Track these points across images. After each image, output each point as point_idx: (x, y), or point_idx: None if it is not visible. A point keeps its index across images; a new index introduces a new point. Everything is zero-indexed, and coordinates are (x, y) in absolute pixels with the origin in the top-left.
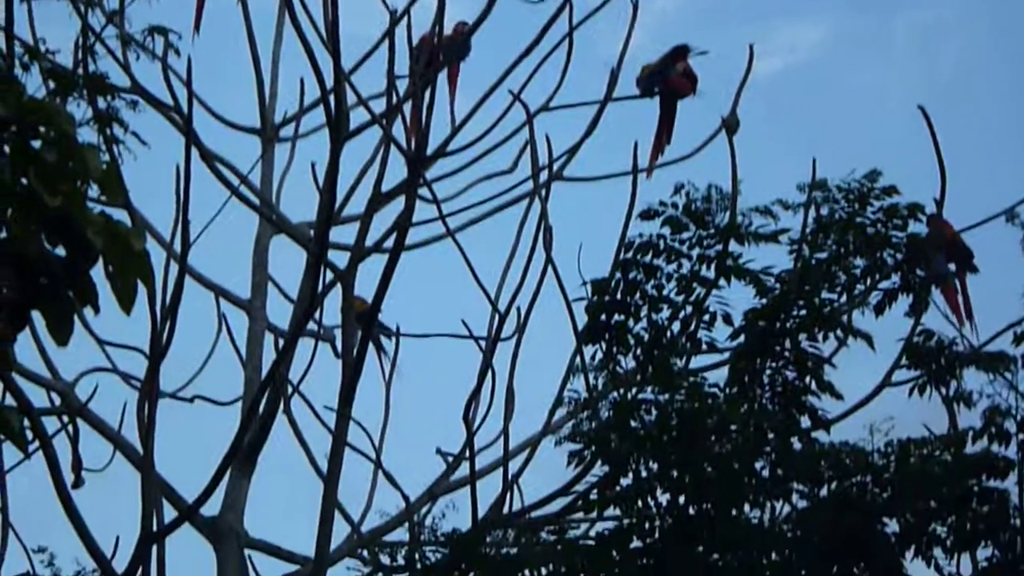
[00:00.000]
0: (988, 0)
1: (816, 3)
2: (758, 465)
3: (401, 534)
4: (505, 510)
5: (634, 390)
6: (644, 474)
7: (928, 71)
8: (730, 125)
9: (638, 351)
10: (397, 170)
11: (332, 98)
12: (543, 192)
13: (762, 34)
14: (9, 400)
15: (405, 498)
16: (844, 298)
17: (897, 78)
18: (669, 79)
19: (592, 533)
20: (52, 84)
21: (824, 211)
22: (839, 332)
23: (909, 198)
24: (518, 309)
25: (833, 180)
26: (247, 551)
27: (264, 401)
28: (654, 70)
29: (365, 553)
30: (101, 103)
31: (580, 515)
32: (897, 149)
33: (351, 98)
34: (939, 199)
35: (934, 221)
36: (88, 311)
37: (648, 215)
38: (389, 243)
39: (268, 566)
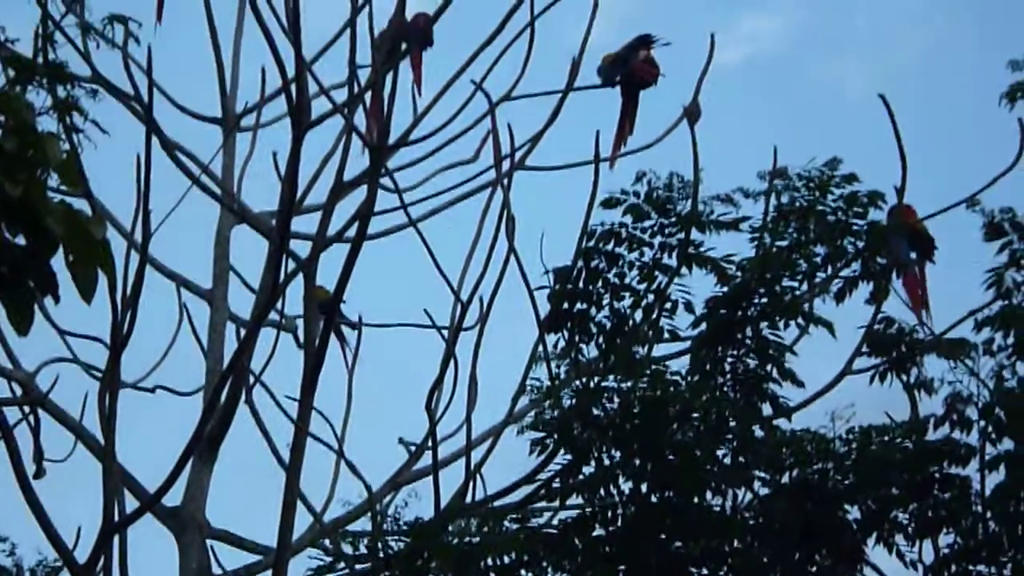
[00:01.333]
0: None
1: None
2: (720, 452)
3: (364, 524)
4: (468, 499)
5: (596, 378)
6: (607, 462)
7: (889, 62)
8: (691, 114)
9: (600, 339)
10: (359, 159)
11: (294, 87)
12: (505, 181)
13: (724, 25)
14: None
15: (367, 487)
16: (805, 286)
17: (858, 69)
18: (631, 68)
19: (555, 521)
20: (11, 73)
21: (785, 199)
22: (800, 320)
23: (870, 186)
24: (480, 298)
25: (794, 169)
26: (209, 541)
27: (226, 391)
28: (616, 59)
29: (328, 543)
30: (61, 92)
31: (543, 504)
32: (858, 139)
33: (313, 87)
34: (900, 187)
35: (898, 208)
36: (49, 300)
37: (610, 203)
38: (351, 233)
39: (230, 556)
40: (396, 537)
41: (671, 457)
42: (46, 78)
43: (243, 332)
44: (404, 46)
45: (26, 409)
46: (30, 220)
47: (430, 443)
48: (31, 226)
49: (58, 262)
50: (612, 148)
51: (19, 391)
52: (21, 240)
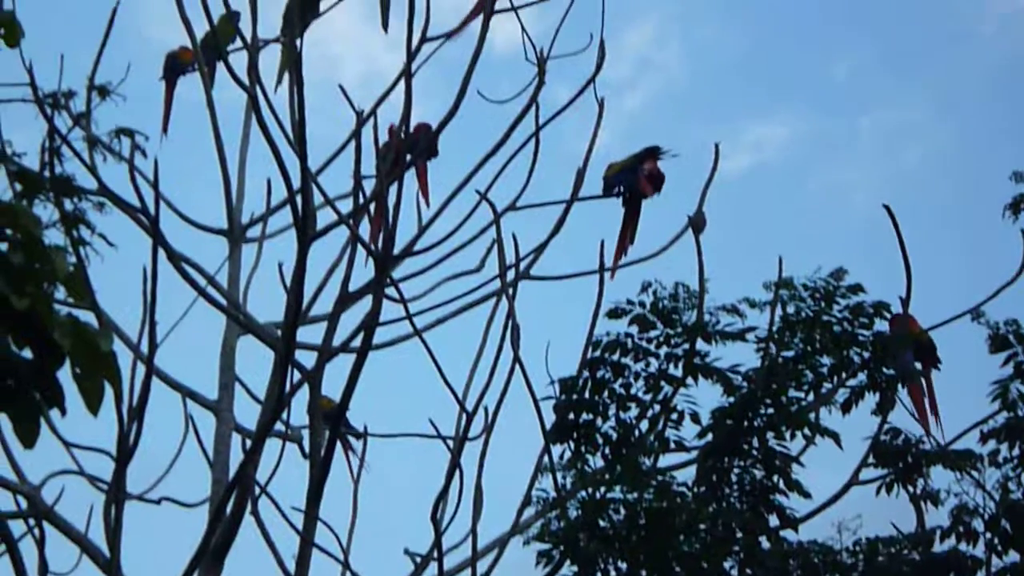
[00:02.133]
0: (952, 103)
1: (782, 104)
2: (727, 564)
3: None
4: None
5: (602, 489)
6: (613, 574)
7: (893, 171)
8: (697, 224)
9: (606, 450)
10: (364, 270)
11: (299, 199)
12: (510, 291)
13: (729, 134)
14: None
15: None
16: (811, 396)
17: (863, 178)
18: (634, 184)
19: None
20: (19, 186)
21: (791, 309)
22: (806, 430)
23: (875, 296)
24: (486, 408)
25: (799, 278)
26: None
27: (231, 502)
28: (621, 169)
29: None
30: (68, 205)
31: None
32: (863, 247)
33: (318, 198)
34: (905, 297)
35: (901, 318)
36: (55, 413)
37: (616, 314)
38: (356, 343)
39: None
40: None
41: (677, 569)
42: (53, 191)
43: (249, 443)
44: (409, 156)
45: (31, 522)
46: (37, 333)
47: (436, 554)
48: (38, 339)
49: (64, 374)
50: (613, 258)
51: (24, 504)
52: (28, 353)
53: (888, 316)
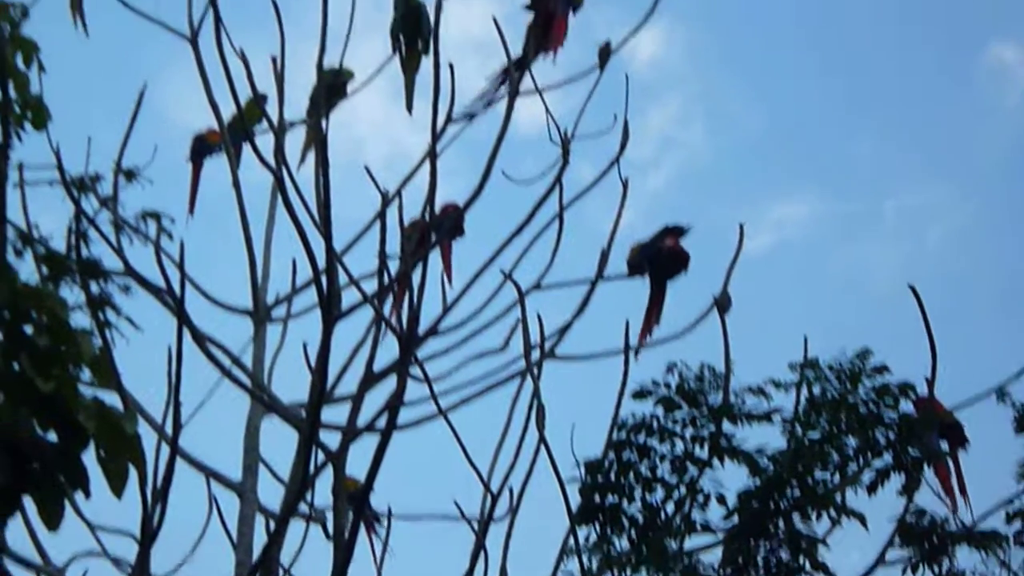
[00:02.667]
0: (975, 179)
1: (804, 184)
2: None
3: None
4: None
5: (629, 572)
6: None
7: (916, 250)
8: (721, 304)
9: (632, 532)
10: (389, 349)
11: (324, 279)
12: (535, 371)
13: (752, 212)
14: None
15: None
16: (837, 477)
17: (886, 257)
18: (658, 256)
19: None
20: (45, 269)
21: (816, 390)
22: (833, 511)
23: (900, 377)
24: (511, 489)
25: (824, 359)
26: None
27: None
28: (643, 248)
29: None
30: (94, 287)
31: None
32: (887, 327)
33: (343, 278)
34: (930, 378)
35: (925, 399)
36: (79, 494)
37: (641, 395)
38: (381, 423)
39: None
40: None
41: None
42: (79, 274)
43: (272, 524)
44: (434, 236)
45: None
46: (62, 416)
47: None
48: (63, 421)
49: (89, 456)
50: (639, 338)
51: None
52: (53, 435)
53: (913, 397)
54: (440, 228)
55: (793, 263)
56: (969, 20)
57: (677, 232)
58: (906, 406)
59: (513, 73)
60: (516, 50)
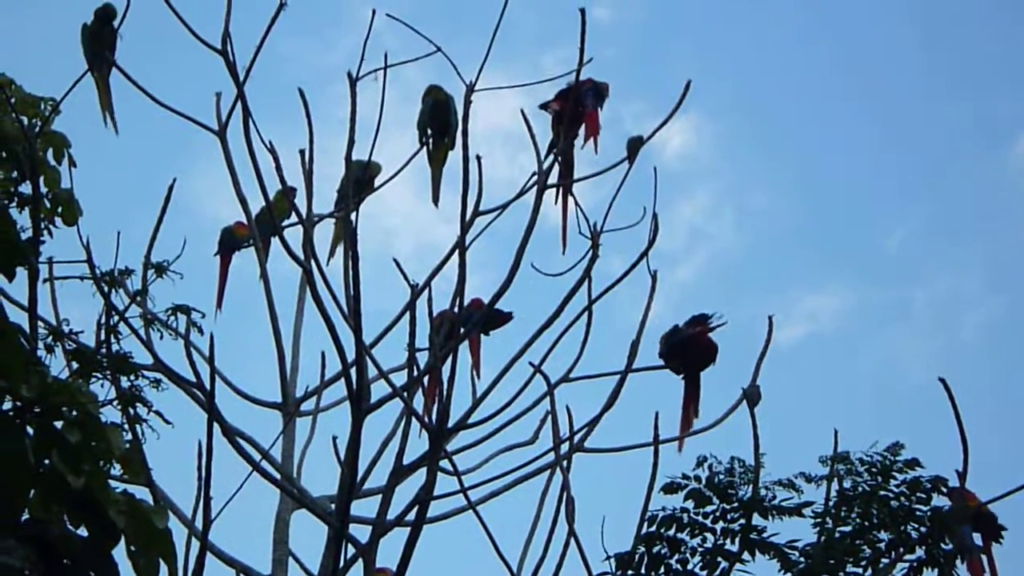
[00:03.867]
0: (1008, 267)
1: (835, 275)
2: None
3: None
4: None
5: None
6: None
7: (948, 341)
8: (751, 397)
9: None
10: (418, 443)
11: (353, 372)
12: (565, 464)
13: (782, 304)
14: None
15: None
16: (869, 572)
17: (917, 349)
18: (681, 344)
19: None
20: (75, 364)
21: (847, 484)
22: None
23: (932, 471)
24: None
25: (855, 452)
26: None
27: None
28: (669, 336)
29: None
30: (124, 382)
31: None
32: (919, 420)
33: (372, 371)
34: (962, 472)
35: (958, 492)
36: None
37: (671, 489)
38: (411, 517)
39: None
40: None
41: None
42: (109, 369)
43: None
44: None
45: None
46: (93, 511)
47: None
48: (94, 517)
49: (120, 552)
50: (680, 431)
51: None
52: (83, 531)
53: (945, 491)
54: (469, 321)
55: (824, 355)
56: (1004, 108)
57: (701, 320)
58: (938, 500)
59: (542, 166)
60: (544, 143)
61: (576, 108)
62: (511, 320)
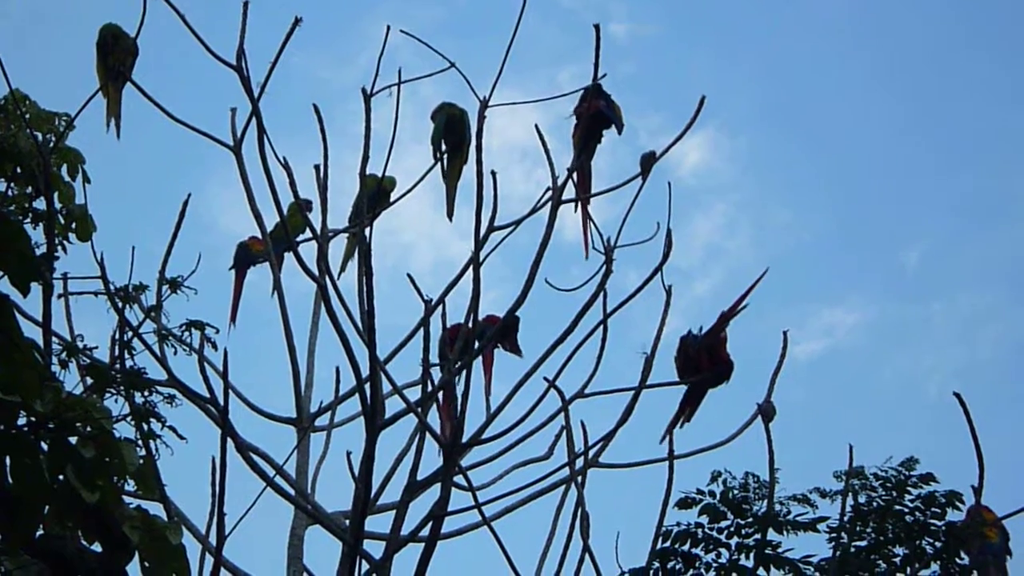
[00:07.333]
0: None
1: (853, 289)
2: None
3: None
4: None
5: None
6: None
7: (966, 356)
8: (766, 412)
9: None
10: (433, 458)
11: (367, 387)
12: (579, 479)
13: (799, 319)
14: None
15: None
16: None
17: (935, 363)
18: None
19: None
20: (90, 380)
21: (862, 499)
22: None
23: (947, 486)
24: None
25: (870, 467)
26: None
27: None
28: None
29: None
30: (138, 398)
31: None
32: (934, 434)
33: (386, 387)
34: (977, 487)
35: (974, 507)
36: None
37: (686, 504)
38: (425, 532)
39: None
40: None
41: None
42: (123, 385)
43: None
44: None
45: None
46: (107, 526)
47: None
48: (108, 532)
49: (134, 567)
50: (667, 427)
51: None
52: (97, 546)
53: (960, 506)
54: (484, 336)
55: (840, 370)
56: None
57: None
58: (953, 515)
59: (557, 181)
60: (558, 159)
61: (594, 119)
62: (519, 323)
